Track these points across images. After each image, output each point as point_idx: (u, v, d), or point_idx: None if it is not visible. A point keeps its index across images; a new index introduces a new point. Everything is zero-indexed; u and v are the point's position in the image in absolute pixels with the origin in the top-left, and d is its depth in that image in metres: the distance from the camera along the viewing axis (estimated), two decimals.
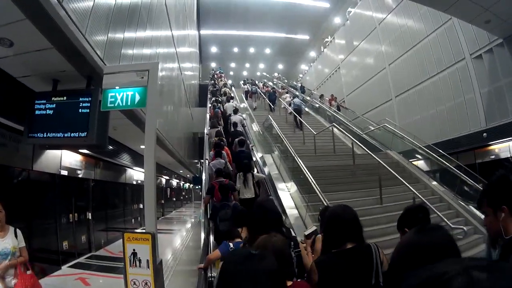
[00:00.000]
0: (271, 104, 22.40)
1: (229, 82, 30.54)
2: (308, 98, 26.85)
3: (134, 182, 19.30)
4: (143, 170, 12.73)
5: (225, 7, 34.50)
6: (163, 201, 29.01)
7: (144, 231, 3.63)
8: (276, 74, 41.47)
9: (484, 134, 14.63)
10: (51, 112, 5.78)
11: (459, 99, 16.16)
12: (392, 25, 22.04)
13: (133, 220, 18.99)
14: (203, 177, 10.69)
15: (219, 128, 13.89)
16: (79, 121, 5.53)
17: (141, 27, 8.41)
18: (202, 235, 7.59)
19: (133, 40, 7.69)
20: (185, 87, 19.92)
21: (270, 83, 32.54)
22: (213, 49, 44.59)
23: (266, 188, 10.17)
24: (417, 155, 14.25)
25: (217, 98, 21.19)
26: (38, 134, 5.75)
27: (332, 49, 34.18)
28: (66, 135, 5.55)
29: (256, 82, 31.83)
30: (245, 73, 47.89)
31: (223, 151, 10.66)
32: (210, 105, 20.35)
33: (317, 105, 23.28)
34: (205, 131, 15.59)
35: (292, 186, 10.11)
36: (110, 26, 6.01)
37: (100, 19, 5.56)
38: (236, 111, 16.01)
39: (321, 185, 8.91)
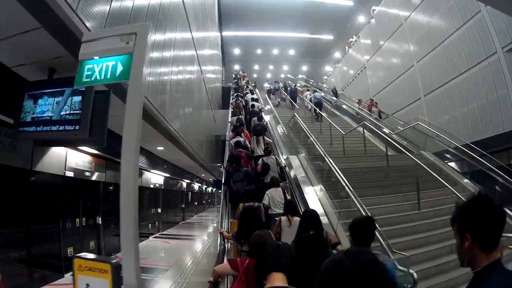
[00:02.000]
0: (292, 101, 22.61)
1: (252, 84, 30.10)
2: (334, 98, 25.95)
3: (152, 186, 18.50)
4: (160, 173, 12.01)
5: (247, 7, 33.98)
6: (183, 205, 28.58)
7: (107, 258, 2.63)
8: (300, 76, 40.85)
9: None
10: (42, 103, 5.01)
11: (492, 95, 15.09)
12: (419, 21, 21.20)
13: (149, 225, 18.23)
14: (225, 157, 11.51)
15: (240, 116, 15.34)
16: (71, 113, 4.73)
17: (160, 30, 8.53)
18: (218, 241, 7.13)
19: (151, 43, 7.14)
20: (207, 89, 19.63)
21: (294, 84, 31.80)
22: (236, 51, 44.16)
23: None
24: (453, 156, 13.20)
25: (238, 93, 22.54)
26: (28, 128, 4.98)
27: (357, 49, 33.29)
28: (57, 128, 4.75)
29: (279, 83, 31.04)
30: (268, 75, 47.17)
31: (242, 133, 12.01)
32: (232, 98, 22.27)
33: (344, 107, 22.40)
34: (228, 119, 16.92)
35: (320, 190, 9.18)
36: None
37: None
38: (254, 99, 19.54)
39: (353, 189, 8.04)
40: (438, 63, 19.11)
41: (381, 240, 6.08)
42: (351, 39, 35.32)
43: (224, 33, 38.36)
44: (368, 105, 21.96)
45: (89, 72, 2.93)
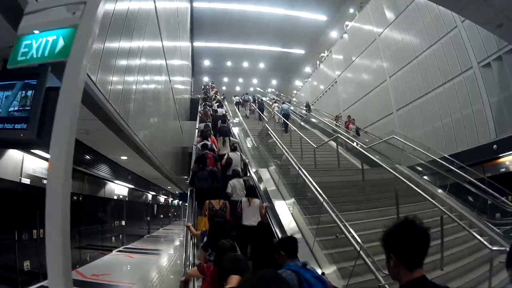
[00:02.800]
0: (260, 113, 22.61)
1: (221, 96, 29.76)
2: (304, 111, 25.70)
3: (115, 197, 17.65)
4: (124, 184, 11.40)
5: (220, 18, 33.47)
6: (149, 218, 27.85)
7: None
8: (270, 90, 40.71)
9: (494, 146, 13.86)
10: None
11: (467, 110, 15.40)
12: (393, 36, 21.45)
13: (113, 238, 17.35)
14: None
15: (207, 123, 15.26)
16: (19, 110, 4.17)
17: (127, 36, 8.32)
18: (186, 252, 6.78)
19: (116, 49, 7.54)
20: (175, 100, 19.34)
21: (264, 98, 31.55)
22: (206, 63, 43.73)
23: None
24: (428, 169, 12.90)
25: (206, 103, 22.84)
26: None
27: (329, 64, 33.53)
28: (3, 126, 4.18)
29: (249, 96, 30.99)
30: (238, 88, 46.84)
31: (208, 138, 12.20)
32: (201, 107, 21.86)
33: (313, 120, 22.10)
34: (196, 126, 16.85)
35: (294, 205, 8.62)
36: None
37: None
38: (218, 106, 20.81)
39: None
40: (412, 78, 19.36)
41: (364, 258, 5.62)
42: (322, 54, 35.75)
43: (195, 44, 37.99)
44: (345, 122, 21.45)
45: (26, 49, 2.42)
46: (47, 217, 1.93)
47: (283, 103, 24.34)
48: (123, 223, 19.13)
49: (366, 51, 25.03)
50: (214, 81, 38.07)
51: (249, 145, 15.06)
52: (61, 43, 2.30)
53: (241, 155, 11.20)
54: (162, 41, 13.43)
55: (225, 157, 10.57)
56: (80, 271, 11.69)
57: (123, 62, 8.22)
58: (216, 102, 22.37)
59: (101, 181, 14.97)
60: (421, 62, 18.50)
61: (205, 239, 5.85)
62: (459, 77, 15.90)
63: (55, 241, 1.89)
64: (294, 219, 7.90)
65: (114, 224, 17.82)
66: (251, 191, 7.77)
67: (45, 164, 10.06)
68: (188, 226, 7.02)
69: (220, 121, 15.91)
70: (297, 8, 32.20)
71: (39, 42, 2.38)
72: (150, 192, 27.57)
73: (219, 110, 19.38)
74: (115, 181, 16.56)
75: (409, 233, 2.08)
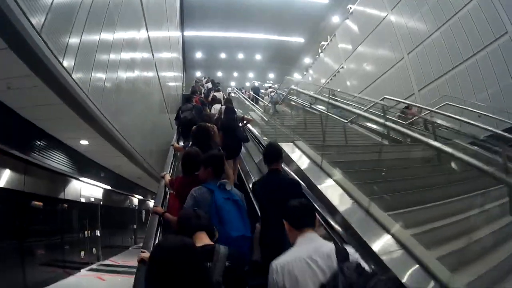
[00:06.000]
0: (256, 96, 23.24)
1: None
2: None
3: (83, 200, 13.95)
4: (96, 183, 7.11)
5: (211, 3, 32.04)
6: (135, 226, 24.72)
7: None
8: (267, 84, 38.64)
9: None
10: None
11: (505, 81, 13.51)
12: (409, 8, 19.26)
13: (82, 252, 13.55)
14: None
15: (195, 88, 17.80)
16: None
17: (110, 28, 8.14)
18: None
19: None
20: (162, 88, 18.15)
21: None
22: (198, 55, 42.19)
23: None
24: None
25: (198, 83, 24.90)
26: None
27: (333, 50, 31.05)
28: None
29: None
30: (233, 83, 44.61)
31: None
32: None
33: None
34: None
35: (361, 192, 4.98)
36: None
37: None
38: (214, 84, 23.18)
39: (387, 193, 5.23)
40: (435, 52, 17.40)
41: None
42: (323, 42, 33.43)
43: (186, 33, 36.47)
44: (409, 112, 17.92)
45: None
46: None
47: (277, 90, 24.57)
48: (98, 233, 15.64)
49: (379, 27, 22.66)
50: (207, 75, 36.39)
51: (256, 133, 11.90)
52: None
53: (223, 94, 16.68)
54: (147, 31, 13.16)
55: (211, 95, 15.34)
56: None
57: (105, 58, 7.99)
58: (207, 82, 23.69)
59: (59, 176, 11.39)
60: (445, 33, 16.50)
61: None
62: (492, 44, 14.08)
63: None
64: (382, 225, 4.38)
65: (83, 234, 14.10)
66: (228, 101, 10.87)
67: None
68: (173, 144, 8.30)
69: (211, 84, 21.75)
70: None
71: None
72: (136, 196, 24.54)
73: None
74: (81, 179, 13.03)
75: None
